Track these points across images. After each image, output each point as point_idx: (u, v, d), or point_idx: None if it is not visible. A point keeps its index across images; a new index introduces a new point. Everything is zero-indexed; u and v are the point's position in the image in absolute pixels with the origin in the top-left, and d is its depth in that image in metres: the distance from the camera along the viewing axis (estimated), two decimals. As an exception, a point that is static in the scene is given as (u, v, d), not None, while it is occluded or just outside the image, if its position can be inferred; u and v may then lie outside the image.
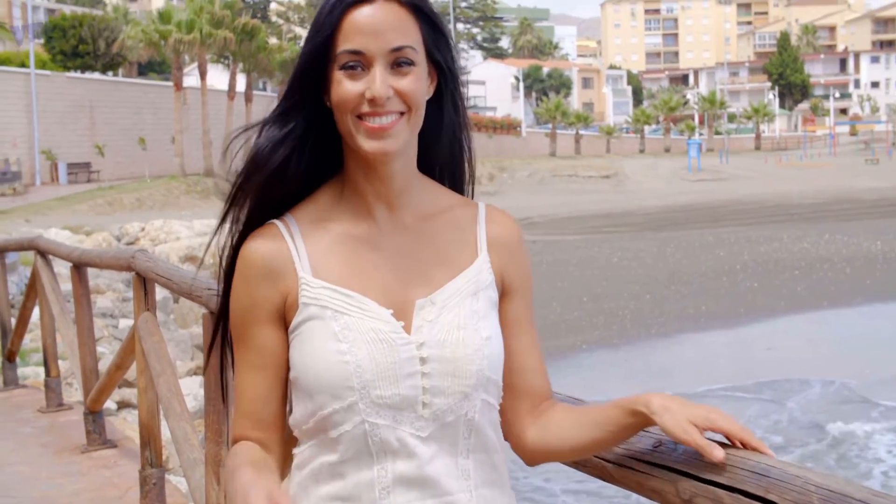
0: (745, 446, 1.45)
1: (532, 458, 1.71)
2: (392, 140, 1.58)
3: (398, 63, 1.58)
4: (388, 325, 1.57)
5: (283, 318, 1.61)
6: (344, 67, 1.57)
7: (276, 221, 1.65)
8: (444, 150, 1.72)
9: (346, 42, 1.57)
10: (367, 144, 1.57)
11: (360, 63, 1.57)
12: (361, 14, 1.57)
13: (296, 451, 1.64)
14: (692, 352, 17.35)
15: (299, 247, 1.62)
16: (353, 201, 1.65)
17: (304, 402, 1.59)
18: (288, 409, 1.68)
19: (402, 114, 1.58)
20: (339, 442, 1.56)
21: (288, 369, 1.62)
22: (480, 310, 1.62)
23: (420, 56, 1.60)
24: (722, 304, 21.32)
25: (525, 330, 1.70)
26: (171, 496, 5.32)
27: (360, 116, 1.57)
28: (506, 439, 1.71)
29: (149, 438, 5.14)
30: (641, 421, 1.53)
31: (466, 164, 1.76)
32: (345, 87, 1.57)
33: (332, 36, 1.58)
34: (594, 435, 1.60)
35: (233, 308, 1.65)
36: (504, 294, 1.69)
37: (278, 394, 1.63)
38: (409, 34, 1.59)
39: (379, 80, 1.56)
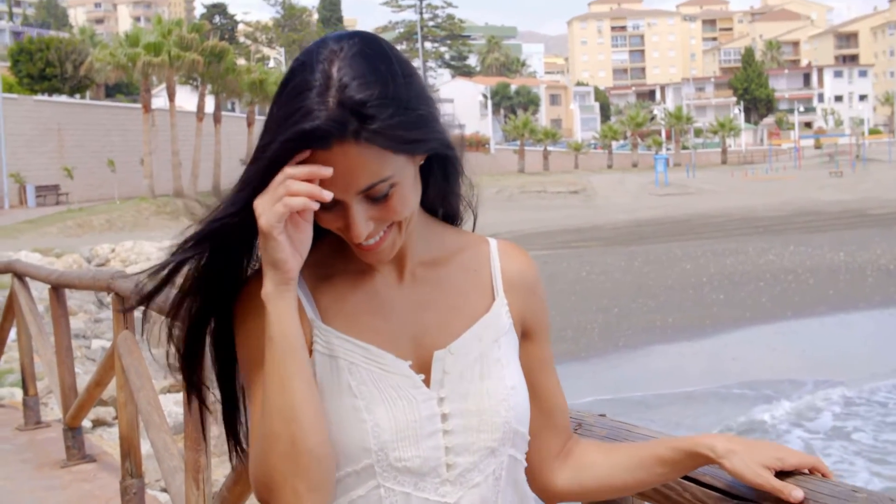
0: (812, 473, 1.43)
1: (560, 499, 1.64)
2: (385, 253, 1.45)
3: (375, 196, 1.40)
4: (408, 380, 1.45)
5: None
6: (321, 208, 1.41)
7: None
8: (436, 196, 1.58)
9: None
10: (364, 256, 1.46)
11: (333, 203, 1.39)
12: (319, 162, 1.38)
13: None
14: (658, 363, 17.64)
15: (306, 293, 1.48)
16: (354, 255, 1.49)
17: None
18: None
19: (390, 226, 1.44)
20: None
21: None
22: (503, 357, 1.52)
23: (400, 170, 1.41)
24: (688, 315, 21.63)
25: (551, 369, 1.62)
26: (150, 506, 5.53)
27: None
28: (529, 483, 1.61)
29: (129, 450, 5.36)
30: (699, 463, 1.49)
31: (461, 206, 1.63)
32: (321, 220, 1.42)
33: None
34: (639, 476, 1.55)
35: (244, 343, 1.46)
36: (526, 335, 1.59)
37: None
38: (378, 167, 1.39)
39: (357, 222, 1.41)
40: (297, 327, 1.38)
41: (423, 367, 1.47)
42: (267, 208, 1.36)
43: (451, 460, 1.44)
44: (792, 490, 1.39)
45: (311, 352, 1.44)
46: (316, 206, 1.38)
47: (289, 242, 1.37)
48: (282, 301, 1.37)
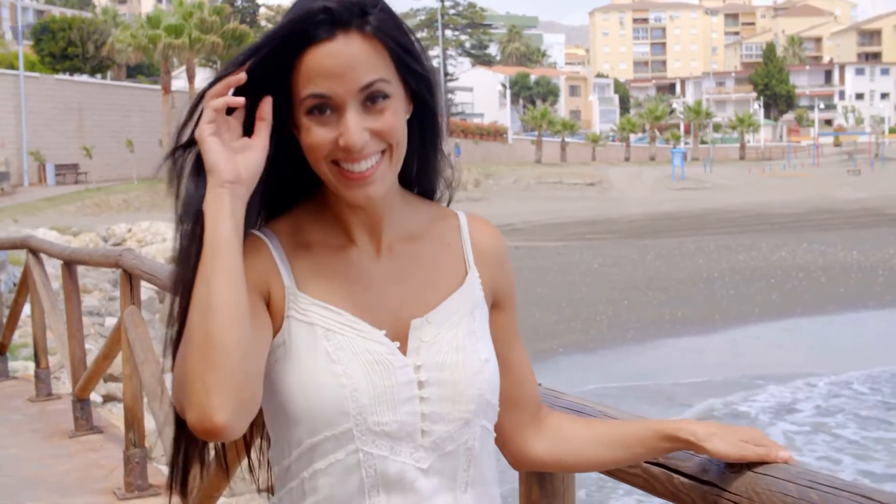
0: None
1: (534, 467, 1.68)
2: (376, 186, 1.46)
3: (371, 99, 1.43)
4: (384, 347, 1.46)
5: (266, 305, 1.48)
6: (310, 112, 1.43)
7: (256, 232, 1.51)
8: (413, 166, 1.59)
9: (310, 85, 1.43)
10: (349, 193, 1.46)
11: (327, 106, 1.43)
12: (322, 53, 1.42)
13: (273, 500, 1.55)
14: (665, 355, 17.76)
15: (282, 258, 1.50)
16: (333, 225, 1.54)
17: (287, 430, 1.47)
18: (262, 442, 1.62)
19: (382, 152, 1.46)
20: (327, 473, 1.45)
21: (267, 346, 1.46)
22: (477, 330, 1.54)
23: (394, 85, 1.46)
24: (697, 310, 21.73)
25: (517, 340, 1.64)
26: (152, 476, 5.73)
27: (335, 161, 1.45)
28: (502, 451, 1.65)
29: (133, 421, 5.56)
30: (678, 446, 1.52)
31: (439, 181, 1.64)
32: (314, 134, 1.43)
33: (291, 77, 1.44)
34: (618, 455, 1.58)
35: None
36: (495, 305, 1.61)
37: (261, 364, 1.42)
38: (378, 65, 1.44)
39: (353, 127, 1.42)
40: (231, 231, 1.39)
41: (399, 337, 1.49)
42: (200, 120, 1.46)
43: (426, 427, 1.46)
44: (778, 451, 1.43)
45: (283, 318, 1.46)
46: (239, 102, 1.44)
47: (222, 147, 1.42)
48: (217, 203, 1.40)
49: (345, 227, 1.53)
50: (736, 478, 1.45)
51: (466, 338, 1.52)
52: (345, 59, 1.42)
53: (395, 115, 1.45)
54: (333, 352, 1.44)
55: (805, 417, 14.04)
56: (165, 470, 6.43)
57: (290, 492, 1.49)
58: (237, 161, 1.43)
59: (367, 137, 1.43)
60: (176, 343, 1.49)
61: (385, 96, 1.44)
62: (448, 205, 1.65)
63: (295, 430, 1.44)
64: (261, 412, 1.50)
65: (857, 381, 15.90)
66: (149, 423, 6.73)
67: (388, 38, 1.45)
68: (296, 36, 1.42)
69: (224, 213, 1.39)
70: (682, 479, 1.55)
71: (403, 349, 1.48)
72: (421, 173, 1.61)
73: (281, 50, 1.43)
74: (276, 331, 1.47)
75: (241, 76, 1.43)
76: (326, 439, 1.43)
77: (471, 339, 1.52)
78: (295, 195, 1.57)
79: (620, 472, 1.69)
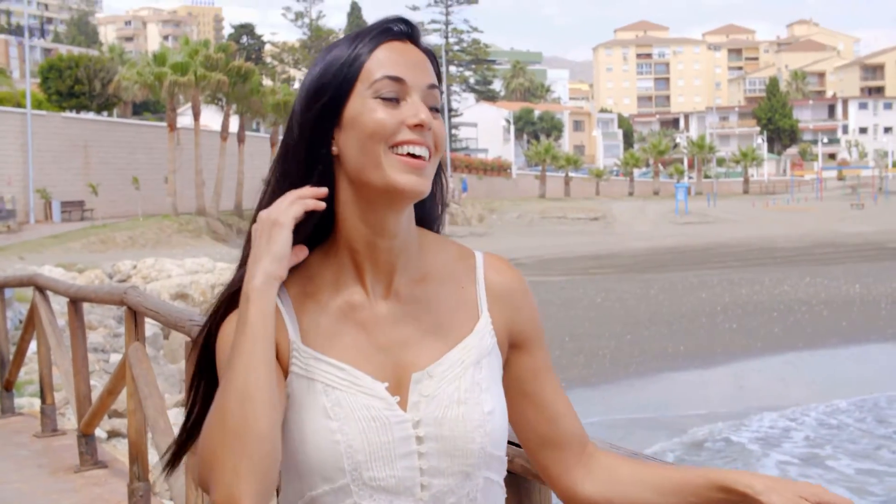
0: None
1: None
2: (425, 179, 1.48)
3: (431, 107, 1.50)
4: (383, 402, 1.46)
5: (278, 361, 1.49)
6: (381, 96, 1.47)
7: None
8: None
9: (386, 68, 1.48)
10: (403, 178, 1.46)
11: (396, 94, 1.47)
12: (399, 47, 1.51)
13: None
14: (666, 388, 17.86)
15: (289, 311, 1.51)
16: (344, 267, 1.53)
17: (293, 481, 1.49)
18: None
19: (431, 156, 1.50)
20: None
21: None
22: (483, 381, 1.51)
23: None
24: (700, 344, 21.81)
25: (548, 377, 1.61)
26: (156, 509, 5.85)
27: (393, 148, 1.47)
28: (553, 489, 1.64)
29: (137, 455, 5.68)
30: (732, 498, 1.48)
31: (439, 207, 1.65)
32: (382, 113, 1.46)
33: (363, 66, 1.49)
34: (669, 501, 1.54)
35: (221, 346, 1.51)
36: (516, 346, 1.59)
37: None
38: (435, 79, 1.53)
39: (421, 107, 1.48)
40: (272, 322, 1.42)
41: (400, 388, 1.48)
42: (284, 206, 1.47)
43: (425, 481, 1.46)
44: (841, 501, 1.40)
45: (287, 373, 1.48)
46: (322, 206, 1.49)
47: (290, 242, 1.47)
48: (267, 293, 1.43)
49: (357, 270, 1.53)
50: None
51: (469, 390, 1.50)
52: (418, 58, 1.51)
53: (442, 129, 1.51)
54: (331, 408, 1.45)
55: (795, 447, 14.19)
56: (168, 502, 6.55)
57: None
58: (290, 259, 1.50)
59: (432, 123, 1.49)
60: (198, 413, 1.56)
61: (437, 108, 1.51)
62: (438, 230, 1.64)
63: (298, 482, 1.47)
64: None
65: (845, 408, 16.11)
66: (152, 457, 6.87)
67: (437, 67, 1.55)
68: (377, 30, 1.51)
69: (270, 305, 1.43)
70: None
71: (404, 403, 1.48)
72: (429, 203, 1.63)
73: (362, 41, 1.50)
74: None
75: (323, 190, 1.50)
76: (326, 493, 1.45)
77: (474, 392, 1.50)
78: (310, 242, 1.57)
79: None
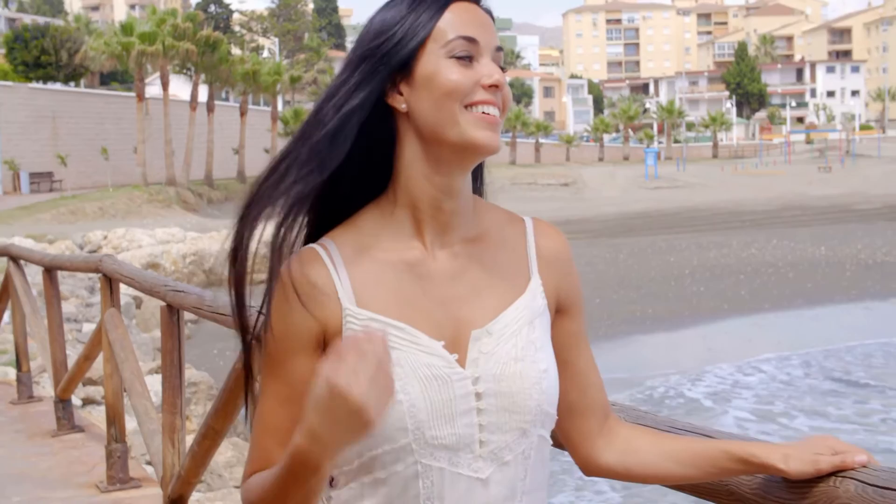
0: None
1: (602, 475, 1.66)
2: (498, 136, 1.50)
3: (498, 61, 1.52)
4: (442, 360, 1.46)
5: (322, 348, 1.49)
6: (454, 56, 1.48)
7: (315, 246, 1.52)
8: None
9: (460, 29, 1.49)
10: (481, 134, 1.47)
11: (470, 53, 1.49)
12: (470, 8, 1.52)
13: (332, 492, 1.52)
14: (634, 352, 18.14)
15: (342, 275, 1.49)
16: (402, 224, 1.53)
17: None
18: None
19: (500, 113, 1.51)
20: (385, 483, 1.46)
21: None
22: (537, 340, 1.53)
23: None
24: (668, 307, 22.12)
25: (585, 345, 1.63)
26: (133, 470, 6.02)
27: (468, 107, 1.48)
28: (572, 456, 1.67)
29: (114, 417, 5.84)
30: (751, 469, 1.51)
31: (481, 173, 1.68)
32: (458, 72, 1.47)
33: (435, 25, 1.49)
34: (688, 472, 1.57)
35: (269, 332, 1.51)
36: (561, 311, 1.61)
37: None
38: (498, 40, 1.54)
39: (492, 66, 1.50)
40: (322, 485, 1.37)
41: (458, 346, 1.48)
42: (362, 384, 1.26)
43: (484, 437, 1.46)
44: (855, 455, 1.41)
45: (342, 336, 1.45)
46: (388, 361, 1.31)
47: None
48: (321, 474, 1.34)
49: (416, 227, 1.53)
50: (815, 492, 1.43)
51: (525, 348, 1.51)
52: (486, 20, 1.52)
53: (509, 88, 1.52)
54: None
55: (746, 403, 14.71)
56: (145, 465, 6.72)
57: (348, 489, 1.50)
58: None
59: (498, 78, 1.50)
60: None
61: (503, 69, 1.52)
62: (481, 192, 1.66)
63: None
64: None
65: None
66: (129, 421, 7.04)
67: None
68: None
69: (325, 474, 1.35)
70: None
71: (462, 360, 1.48)
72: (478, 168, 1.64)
73: (432, 3, 1.51)
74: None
75: (380, 336, 1.30)
76: (386, 453, 1.44)
77: (530, 350, 1.51)
78: (358, 199, 1.57)
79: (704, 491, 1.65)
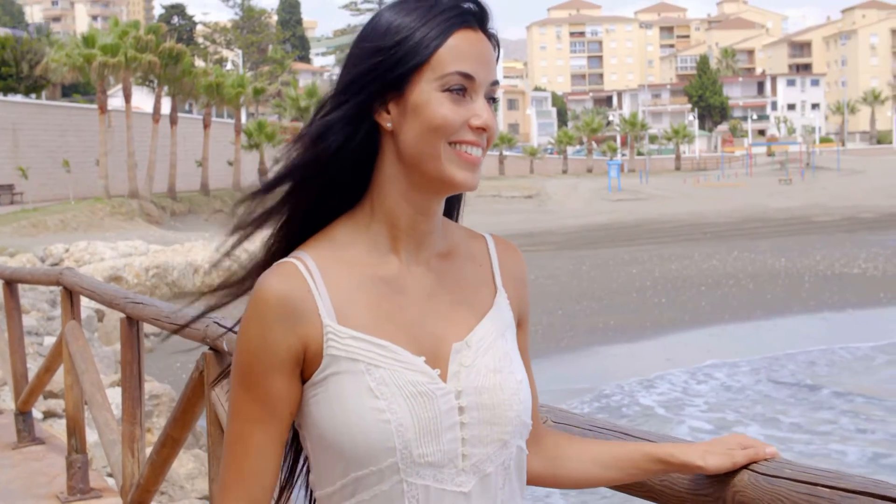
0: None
1: (530, 482, 1.67)
2: (477, 175, 1.50)
3: (489, 97, 1.51)
4: (426, 376, 1.46)
5: (299, 368, 1.48)
6: (450, 89, 1.46)
7: (293, 260, 1.49)
8: None
9: (458, 63, 1.47)
10: (460, 174, 1.47)
11: (465, 88, 1.47)
12: (473, 38, 1.49)
13: None
14: (595, 362, 18.29)
15: (321, 289, 1.47)
16: (378, 239, 1.53)
17: (331, 463, 1.47)
18: (301, 467, 1.62)
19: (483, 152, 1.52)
20: (371, 503, 1.46)
21: (292, 425, 1.52)
22: (510, 351, 1.56)
23: None
24: (630, 318, 22.28)
25: (527, 357, 1.64)
26: (93, 481, 6.06)
27: (452, 144, 1.47)
28: None
29: (75, 428, 5.89)
30: (670, 469, 1.59)
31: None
32: (449, 109, 1.46)
33: (436, 51, 1.47)
34: (612, 475, 1.63)
35: (241, 349, 1.48)
36: (518, 325, 1.64)
37: (279, 451, 1.50)
38: (497, 73, 1.53)
39: (487, 111, 1.49)
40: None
41: (438, 360, 1.49)
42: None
43: (466, 451, 1.47)
44: (765, 447, 1.52)
45: (322, 356, 1.46)
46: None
47: None
48: None
49: (393, 242, 1.53)
50: (730, 483, 1.55)
51: (502, 360, 1.53)
52: (487, 51, 1.50)
53: (496, 123, 1.53)
54: (376, 387, 1.44)
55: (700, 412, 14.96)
56: (106, 476, 6.76)
57: None
58: None
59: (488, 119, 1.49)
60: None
61: (495, 99, 1.53)
62: (457, 218, 1.67)
63: (338, 463, 1.45)
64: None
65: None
66: (90, 433, 7.07)
67: (498, 51, 1.55)
68: (453, 13, 1.48)
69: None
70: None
71: (444, 374, 1.48)
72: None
73: (435, 21, 1.47)
74: (314, 371, 1.46)
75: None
76: (371, 473, 1.44)
77: (506, 361, 1.53)
78: (333, 209, 1.56)
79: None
